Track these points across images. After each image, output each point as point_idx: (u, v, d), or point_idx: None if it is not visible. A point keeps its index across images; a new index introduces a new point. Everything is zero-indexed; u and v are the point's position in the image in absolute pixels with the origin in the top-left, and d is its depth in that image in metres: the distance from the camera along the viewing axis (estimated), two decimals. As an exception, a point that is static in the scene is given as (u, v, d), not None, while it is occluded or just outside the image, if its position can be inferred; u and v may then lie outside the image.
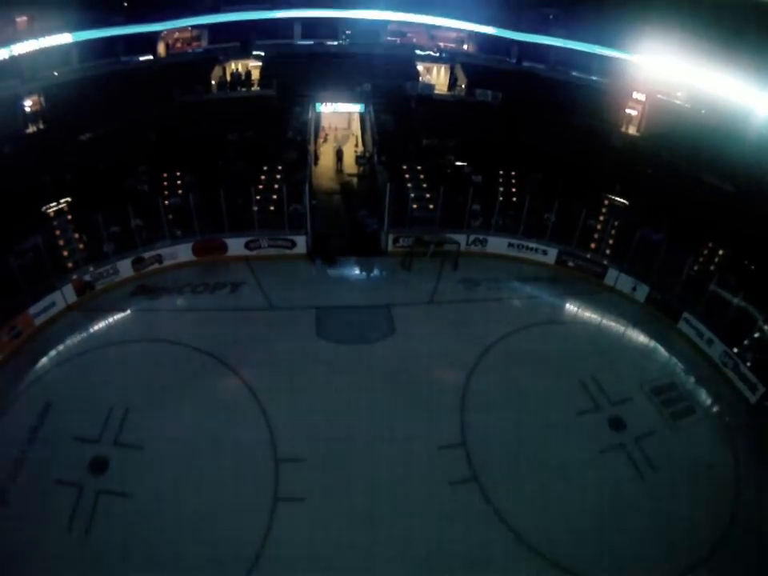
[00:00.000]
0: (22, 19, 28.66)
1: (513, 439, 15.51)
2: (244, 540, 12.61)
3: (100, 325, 19.49)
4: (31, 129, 27.17)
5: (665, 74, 30.83)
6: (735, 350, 18.68)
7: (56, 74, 29.92)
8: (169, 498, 13.35)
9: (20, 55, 27.56)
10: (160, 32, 33.58)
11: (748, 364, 18.11)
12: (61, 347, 18.26)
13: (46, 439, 14.67)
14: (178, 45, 36.01)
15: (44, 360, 17.63)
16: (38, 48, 28.18)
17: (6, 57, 26.95)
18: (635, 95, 32.44)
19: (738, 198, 24.79)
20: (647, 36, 29.08)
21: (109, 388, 16.25)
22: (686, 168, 27.26)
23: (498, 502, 13.83)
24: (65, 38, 29.28)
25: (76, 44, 30.13)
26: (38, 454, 14.24)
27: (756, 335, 18.68)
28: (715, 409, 17.81)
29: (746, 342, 18.76)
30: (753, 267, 21.49)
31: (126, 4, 32.59)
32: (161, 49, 34.27)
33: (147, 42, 33.18)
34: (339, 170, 31.33)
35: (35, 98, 28.30)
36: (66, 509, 12.96)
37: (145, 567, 12.00)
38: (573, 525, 13.49)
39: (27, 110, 27.87)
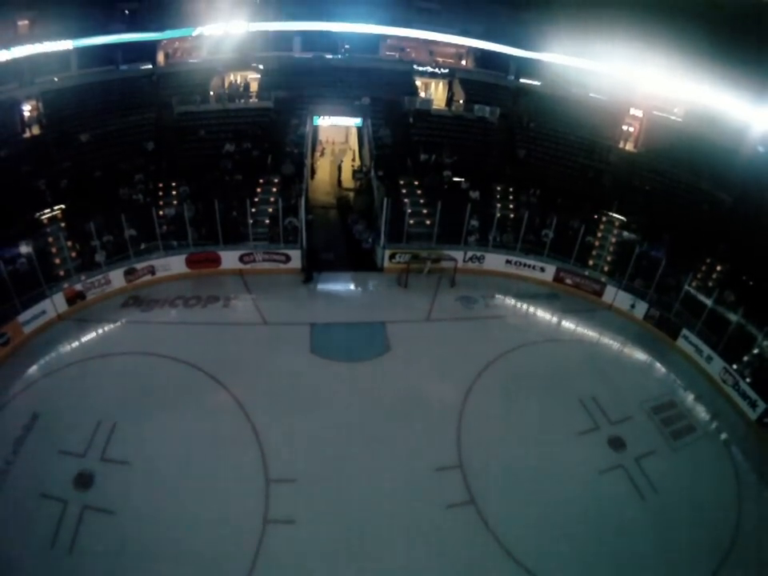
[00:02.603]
0: (23, 23, 28.56)
1: (511, 460, 15.26)
2: (232, 563, 12.21)
3: (90, 335, 19.20)
4: (28, 133, 26.93)
5: (661, 89, 31.00)
6: (735, 366, 18.62)
7: (55, 79, 29.79)
8: (155, 518, 12.96)
9: (20, 59, 27.41)
10: (160, 41, 33.57)
11: (748, 380, 18.06)
12: (50, 357, 17.95)
13: (31, 451, 14.31)
14: (178, 54, 35.98)
15: (32, 369, 17.31)
16: (38, 52, 28.03)
17: (6, 60, 26.79)
18: (632, 111, 32.59)
19: (736, 214, 24.80)
20: (643, 52, 29.20)
21: (97, 401, 15.93)
22: (684, 184, 27.31)
23: (496, 525, 13.50)
24: (65, 44, 29.16)
25: (76, 50, 30.02)
26: (22, 467, 13.88)
27: (756, 351, 18.72)
28: (715, 426, 17.70)
29: (745, 359, 18.79)
30: (751, 283, 21.45)
31: (127, 12, 32.54)
32: (160, 58, 34.23)
33: (147, 50, 33.13)
34: (339, 183, 31.29)
35: (33, 102, 28.14)
36: (50, 524, 12.61)
37: (129, 588, 11.62)
38: (573, 547, 13.20)
39: (25, 114, 27.67)
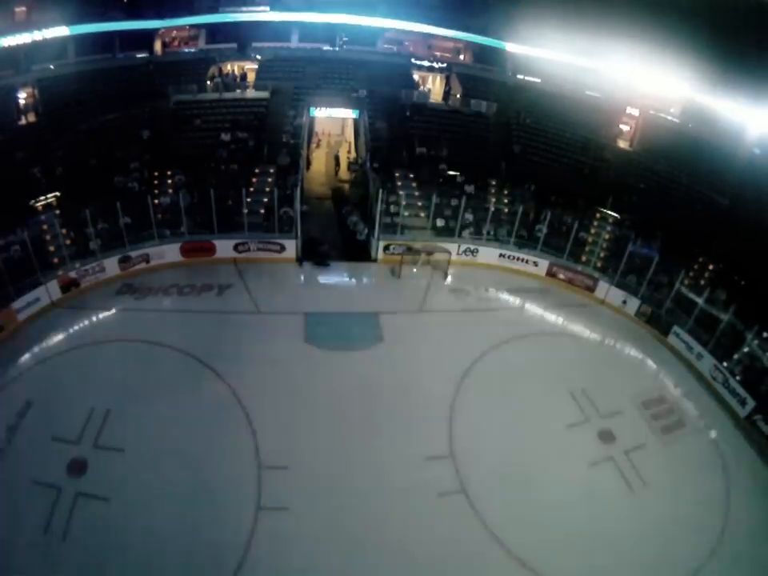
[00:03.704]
0: (20, 9, 28.36)
1: (501, 451, 15.39)
2: (225, 549, 12.28)
3: (84, 323, 19.14)
4: (24, 121, 26.79)
5: (658, 88, 31.18)
6: (725, 364, 18.77)
7: (51, 66, 29.62)
8: (149, 504, 12.98)
9: (16, 46, 27.21)
10: (157, 30, 33.46)
11: (738, 378, 18.20)
12: (43, 344, 17.86)
13: (24, 438, 14.27)
14: (175, 43, 35.86)
15: (26, 357, 17.23)
16: (34, 39, 27.82)
17: (3, 47, 26.59)
18: (629, 110, 32.74)
19: (728, 213, 25.01)
20: (641, 51, 29.36)
21: (90, 388, 15.92)
22: (678, 183, 27.47)
23: (487, 514, 13.63)
24: (62, 31, 28.96)
25: (73, 38, 29.86)
26: (15, 454, 13.85)
27: (746, 350, 18.82)
28: (705, 422, 17.84)
29: (735, 356, 18.90)
30: (743, 282, 21.62)
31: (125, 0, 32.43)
32: (157, 47, 34.13)
33: (144, 39, 33.04)
34: (337, 174, 31.49)
35: (29, 90, 28.00)
36: (44, 511, 12.58)
37: (123, 574, 11.65)
38: (562, 538, 13.33)
39: (21, 101, 27.52)
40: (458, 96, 34.44)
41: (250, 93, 31.53)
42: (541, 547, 13.06)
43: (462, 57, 40.32)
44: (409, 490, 14.02)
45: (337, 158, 32.20)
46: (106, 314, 19.66)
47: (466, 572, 12.54)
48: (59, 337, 18.34)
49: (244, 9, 34.68)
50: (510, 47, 36.50)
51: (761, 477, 15.95)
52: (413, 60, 37.83)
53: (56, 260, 20.15)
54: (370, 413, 16.17)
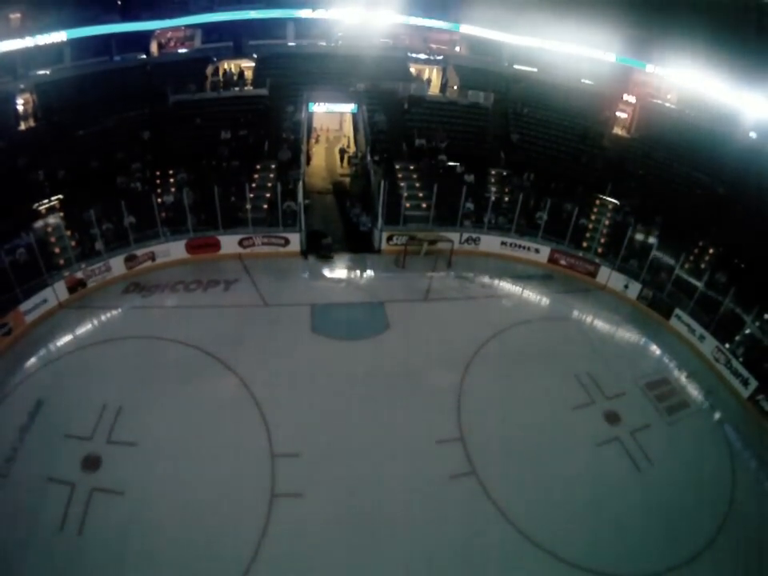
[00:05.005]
0: (15, 16, 28.38)
1: (510, 433, 15.59)
2: (241, 537, 12.47)
3: (92, 322, 19.29)
4: (23, 126, 26.93)
5: (655, 75, 31.26)
6: (727, 345, 18.88)
7: (47, 72, 29.71)
8: (164, 496, 13.19)
9: (13, 52, 27.30)
10: (153, 31, 33.54)
11: (740, 359, 18.33)
12: (52, 345, 18.03)
13: (37, 437, 14.44)
14: (171, 44, 35.96)
15: (35, 358, 17.40)
16: (31, 45, 27.90)
17: (-1, 53, 26.76)
18: (626, 97, 32.81)
19: (727, 197, 25.09)
20: (638, 38, 29.43)
21: (101, 386, 16.08)
22: (676, 169, 27.55)
23: (497, 495, 13.84)
24: (58, 36, 29.01)
25: (69, 42, 29.84)
26: (29, 452, 14.01)
27: (747, 331, 18.93)
28: (709, 403, 18.00)
29: (737, 338, 18.99)
30: (742, 265, 21.74)
31: (119, 2, 32.40)
32: (153, 48, 34.21)
33: (140, 40, 33.11)
34: (342, 167, 31.78)
35: (27, 95, 28.13)
36: (59, 507, 12.73)
37: (140, 566, 11.81)
38: (571, 517, 13.55)
39: (20, 107, 27.66)
40: (456, 87, 34.52)
41: (248, 90, 31.62)
42: (550, 525, 13.26)
43: (457, 48, 40.35)
44: (420, 473, 14.23)
45: (342, 152, 32.35)
46: (114, 312, 19.82)
47: (478, 551, 12.70)
48: (68, 337, 18.49)
49: (239, 7, 34.72)
50: (505, 37, 36.40)
51: (764, 455, 16.12)
52: (409, 53, 37.91)
53: (62, 261, 20.29)
54: (379, 399, 16.38)
